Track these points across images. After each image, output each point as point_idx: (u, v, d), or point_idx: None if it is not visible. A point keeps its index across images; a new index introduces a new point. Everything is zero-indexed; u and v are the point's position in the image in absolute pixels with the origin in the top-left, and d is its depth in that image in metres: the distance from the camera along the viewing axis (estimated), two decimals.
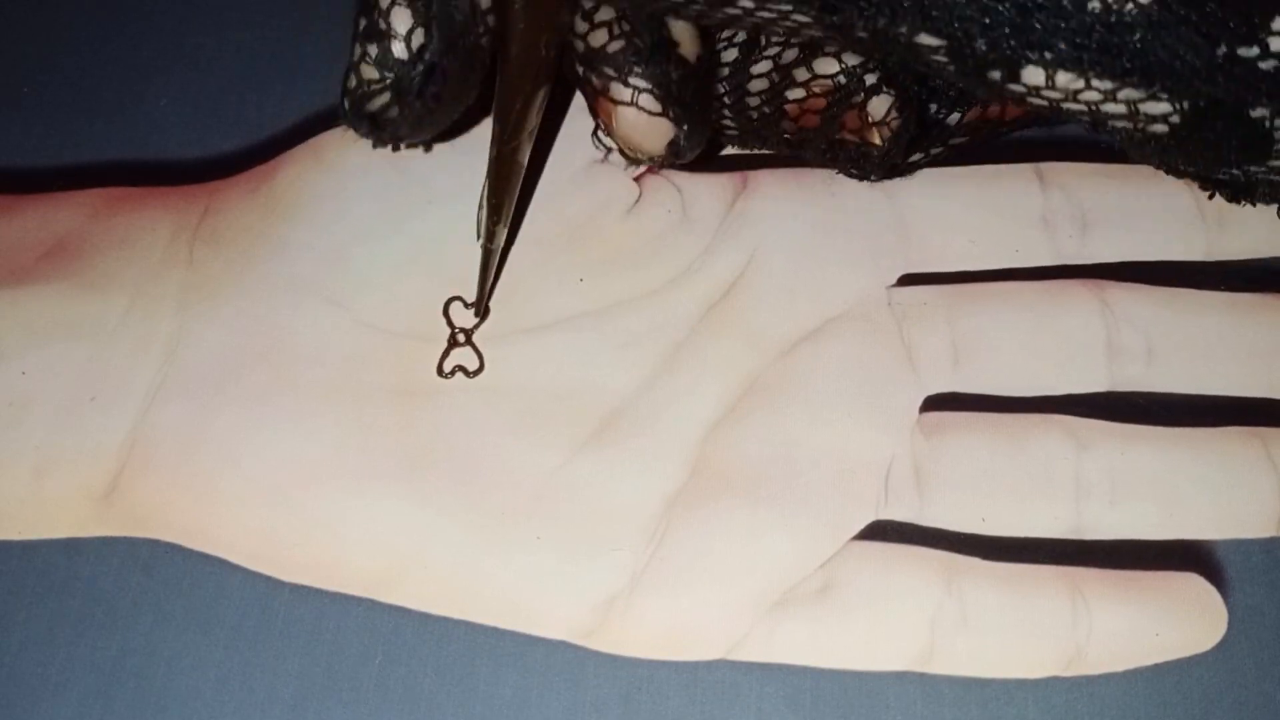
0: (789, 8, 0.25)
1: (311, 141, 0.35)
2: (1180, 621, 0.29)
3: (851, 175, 0.33)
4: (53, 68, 0.37)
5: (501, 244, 0.32)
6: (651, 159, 0.30)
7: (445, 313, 0.33)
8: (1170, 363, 0.31)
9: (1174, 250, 0.33)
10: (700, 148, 0.30)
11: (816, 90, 0.30)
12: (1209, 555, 0.30)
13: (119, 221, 0.34)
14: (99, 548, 0.30)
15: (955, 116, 0.32)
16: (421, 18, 0.27)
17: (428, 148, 0.34)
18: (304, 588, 0.30)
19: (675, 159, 0.30)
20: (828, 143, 0.31)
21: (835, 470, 0.31)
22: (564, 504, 0.30)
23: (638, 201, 0.34)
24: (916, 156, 0.33)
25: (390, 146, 0.33)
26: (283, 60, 0.37)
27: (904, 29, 0.25)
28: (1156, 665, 0.28)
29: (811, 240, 0.33)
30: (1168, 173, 0.30)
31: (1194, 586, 0.29)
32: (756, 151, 0.35)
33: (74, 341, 0.32)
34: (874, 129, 0.30)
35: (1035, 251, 0.33)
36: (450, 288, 0.33)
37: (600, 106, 0.29)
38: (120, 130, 0.36)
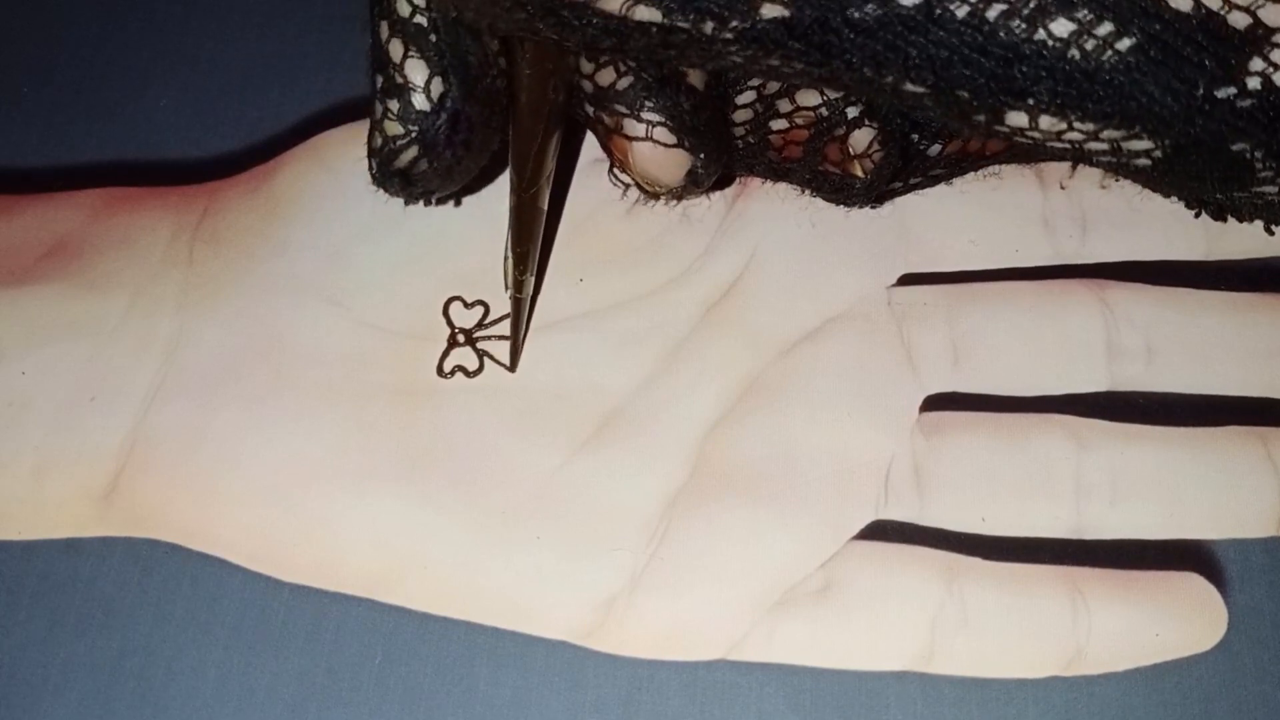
0: (777, 62, 0.25)
1: (311, 141, 0.35)
2: (1180, 621, 0.29)
3: (833, 202, 0.33)
4: (53, 68, 0.37)
5: (530, 292, 0.32)
6: (671, 191, 0.30)
7: (445, 313, 0.33)
8: (1170, 362, 0.31)
9: (1174, 250, 0.33)
10: (717, 174, 0.30)
11: (799, 121, 0.30)
12: (1209, 555, 0.30)
13: (119, 222, 0.34)
14: (99, 548, 0.30)
15: (936, 149, 0.31)
16: (437, 67, 0.27)
17: (457, 201, 0.34)
18: (304, 588, 0.30)
19: (695, 188, 0.30)
20: (811, 173, 0.31)
21: (835, 470, 0.31)
22: (564, 504, 0.30)
23: (637, 202, 0.34)
24: (895, 185, 0.33)
25: (423, 202, 0.33)
26: (282, 60, 0.37)
27: (890, 79, 0.25)
28: (1157, 665, 0.28)
29: (811, 240, 0.33)
30: (1156, 193, 0.31)
31: (1194, 586, 0.29)
32: None
33: (74, 341, 0.32)
34: (855, 162, 0.30)
35: (1035, 251, 0.33)
36: (450, 287, 0.33)
37: (615, 144, 0.29)
38: (120, 130, 0.36)
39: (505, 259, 0.31)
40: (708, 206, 0.34)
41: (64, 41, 0.38)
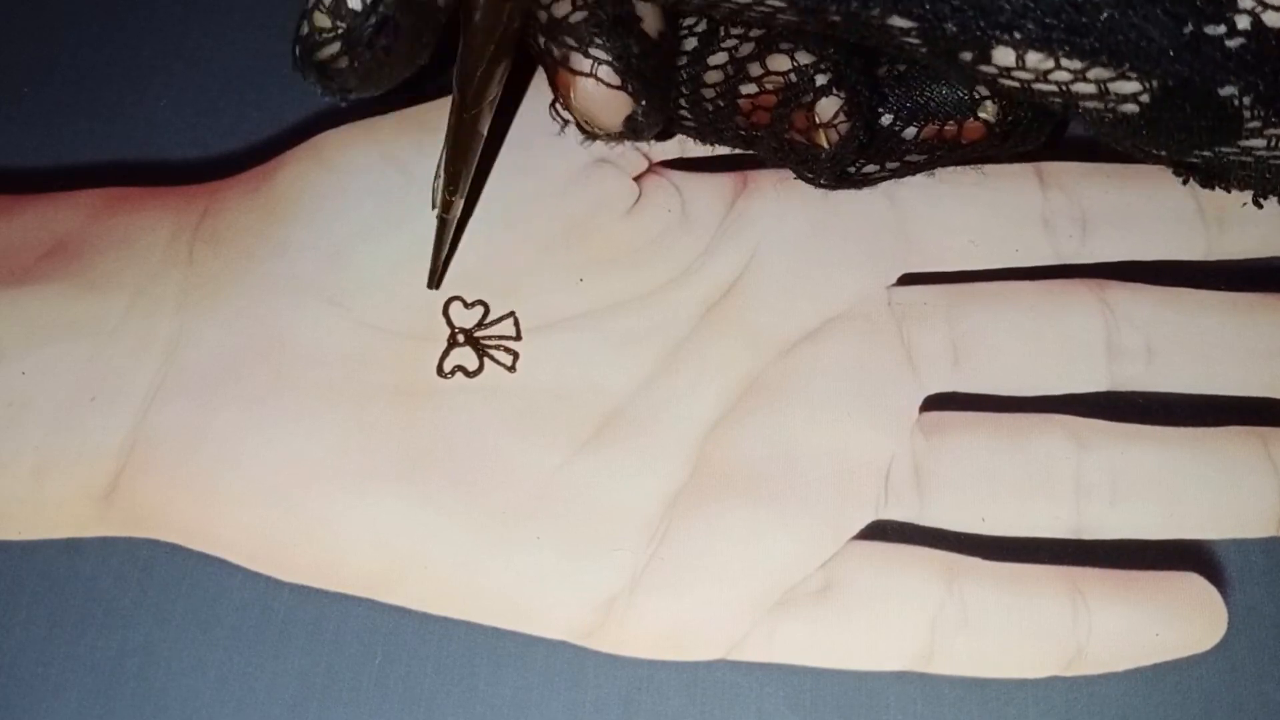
0: None
1: (311, 141, 0.35)
2: (1180, 621, 0.29)
3: (805, 179, 0.33)
4: (52, 68, 0.37)
5: (458, 215, 0.32)
6: (609, 134, 0.30)
7: (445, 313, 0.33)
8: (1170, 362, 0.31)
9: (1174, 250, 0.33)
10: (658, 127, 0.30)
11: (768, 86, 0.30)
12: (1209, 555, 0.30)
13: (119, 222, 0.34)
14: (99, 548, 0.30)
15: (911, 131, 0.31)
16: None
17: (380, 102, 0.33)
18: (304, 588, 0.30)
19: (633, 135, 0.30)
20: (778, 141, 0.31)
21: (835, 470, 0.31)
22: (564, 504, 0.30)
23: (637, 201, 0.34)
24: (871, 169, 0.33)
25: (339, 98, 0.32)
26: (282, 60, 0.36)
27: (875, 11, 0.25)
28: (1156, 665, 0.28)
29: (811, 240, 0.33)
30: (1141, 157, 0.30)
31: (1194, 586, 0.29)
32: (753, 152, 0.35)
33: (74, 341, 0.32)
34: (821, 131, 0.30)
35: (1035, 251, 0.33)
36: (450, 287, 0.33)
37: (560, 78, 0.29)
38: (120, 130, 0.36)
39: (436, 177, 0.31)
40: (708, 206, 0.34)
41: (64, 42, 0.38)
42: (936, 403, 0.31)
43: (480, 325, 0.33)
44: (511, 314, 0.33)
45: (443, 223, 0.32)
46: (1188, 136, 0.27)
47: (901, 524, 0.30)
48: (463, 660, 0.29)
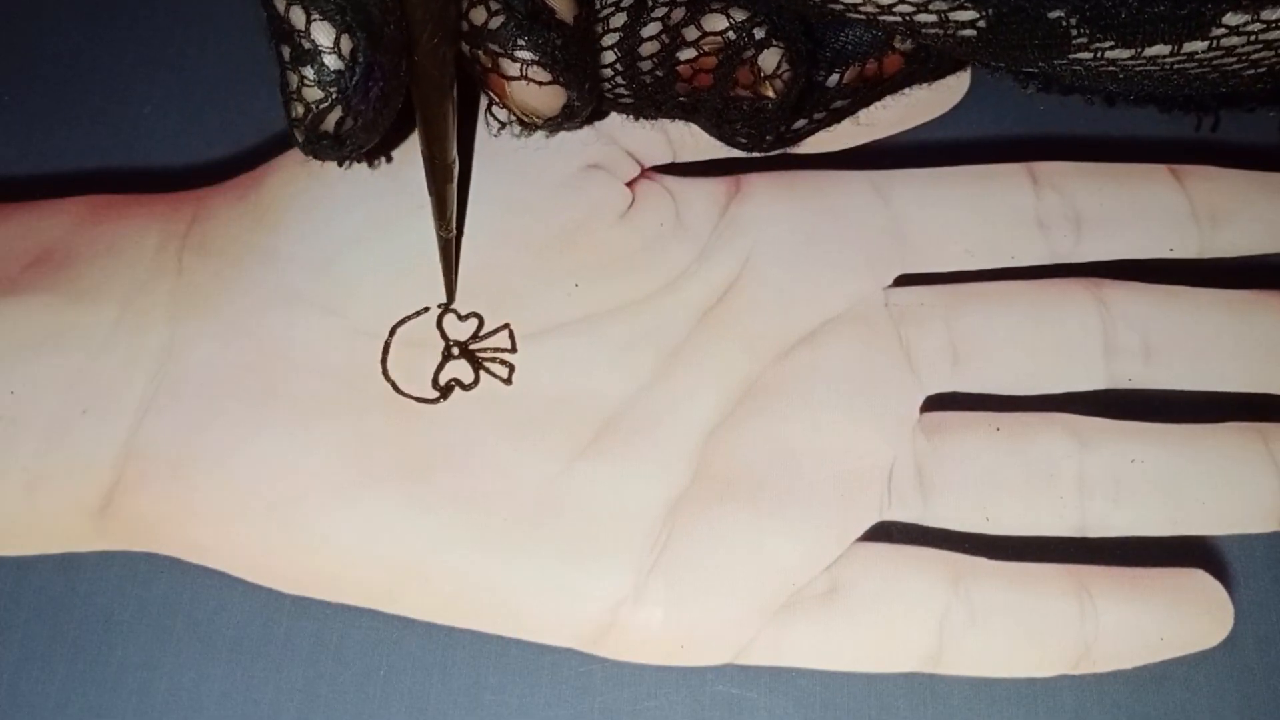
0: None
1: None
2: (1187, 618, 0.29)
3: (741, 145, 0.33)
4: (35, 74, 0.37)
5: (454, 232, 0.32)
6: (548, 121, 0.30)
7: (439, 326, 0.32)
8: (1168, 360, 0.32)
9: (1167, 249, 0.33)
10: (593, 105, 0.31)
11: (707, 48, 0.30)
12: (1214, 551, 0.30)
13: (105, 230, 0.33)
14: (96, 562, 0.30)
15: (834, 78, 0.32)
16: (342, 25, 0.27)
17: (389, 158, 0.34)
18: (306, 600, 0.30)
19: (571, 118, 0.30)
20: (723, 101, 0.31)
21: (838, 472, 0.31)
22: (565, 511, 0.30)
23: (631, 207, 0.34)
24: (801, 123, 0.33)
25: (359, 161, 0.33)
26: (268, 66, 0.36)
27: None
28: (1164, 662, 0.29)
29: (806, 243, 0.33)
30: (980, 66, 0.32)
31: (1199, 583, 0.29)
32: (748, 156, 0.35)
33: (63, 353, 0.31)
34: (767, 82, 0.30)
35: (1030, 252, 0.33)
36: (443, 294, 0.33)
37: (492, 82, 0.29)
38: (104, 137, 0.36)
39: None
40: (701, 211, 0.34)
41: (46, 47, 0.37)
42: (937, 403, 0.32)
43: (475, 338, 0.32)
44: (506, 326, 0.32)
45: (445, 242, 0.32)
46: (1021, 54, 0.28)
47: (906, 525, 0.30)
48: (468, 670, 0.29)
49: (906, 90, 0.35)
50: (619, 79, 0.32)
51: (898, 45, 0.31)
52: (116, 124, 0.36)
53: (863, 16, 0.27)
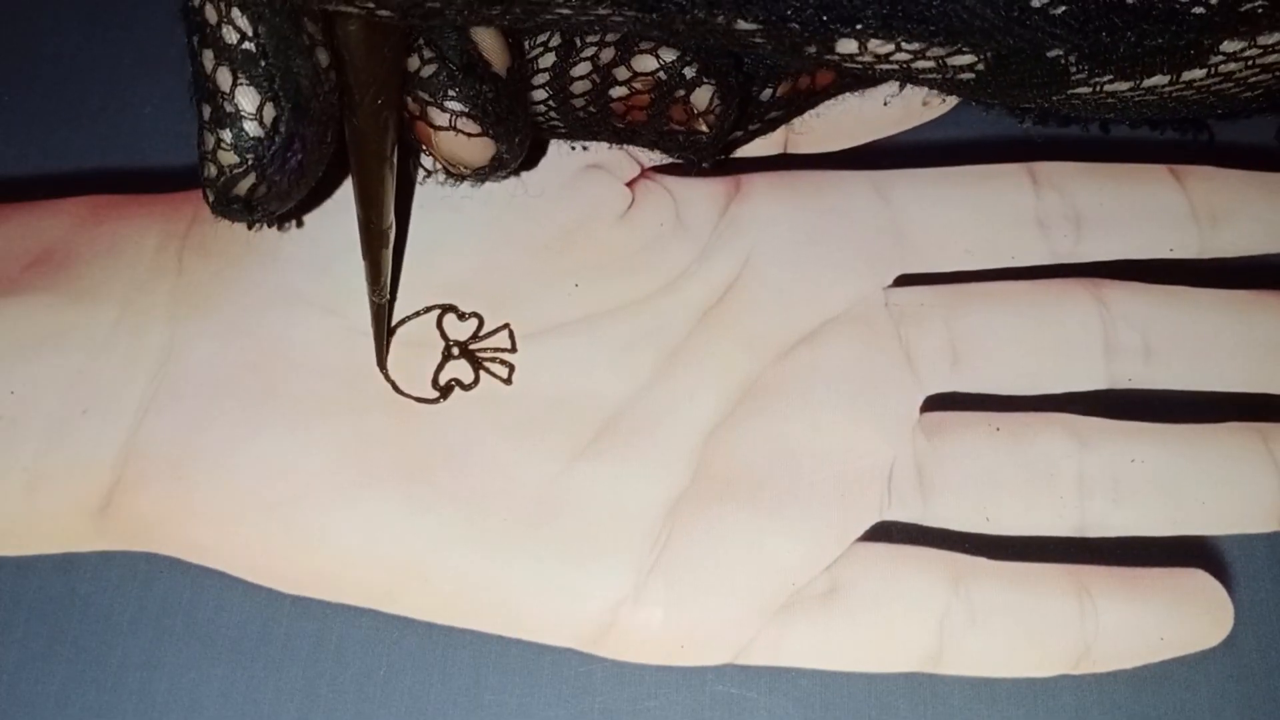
0: (608, 10, 0.25)
1: None
2: (1187, 618, 0.29)
3: (686, 161, 0.33)
4: (34, 74, 0.37)
5: (388, 298, 0.31)
6: (476, 172, 0.30)
7: (439, 325, 0.32)
8: (1168, 360, 0.32)
9: (1167, 249, 0.33)
10: (522, 154, 0.30)
11: (639, 87, 0.30)
12: (1214, 551, 0.30)
13: (105, 230, 0.33)
14: (96, 562, 0.30)
15: (768, 93, 0.32)
16: (268, 92, 0.26)
17: (299, 223, 0.34)
18: (306, 600, 0.29)
19: (499, 169, 0.30)
20: (657, 135, 0.31)
21: (837, 472, 0.31)
22: (565, 511, 0.30)
23: (630, 207, 0.34)
24: (736, 135, 0.33)
25: (267, 225, 0.33)
26: None
27: (721, 19, 0.25)
28: (1164, 662, 0.29)
29: (805, 243, 0.33)
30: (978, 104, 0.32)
31: (1199, 583, 0.29)
32: (747, 156, 0.35)
33: (64, 354, 0.31)
34: (700, 119, 0.30)
35: (1030, 252, 0.33)
36: (444, 296, 0.33)
37: (419, 130, 0.29)
38: (104, 137, 0.35)
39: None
40: (701, 211, 0.34)
41: (46, 47, 0.37)
42: (937, 403, 0.31)
43: (475, 338, 0.32)
44: (506, 326, 0.32)
45: (376, 307, 0.31)
46: (1021, 92, 0.28)
47: (906, 525, 0.30)
48: (469, 670, 0.29)
49: (906, 90, 0.35)
50: (553, 114, 0.31)
51: None
52: (116, 124, 0.36)
53: (858, 67, 0.27)
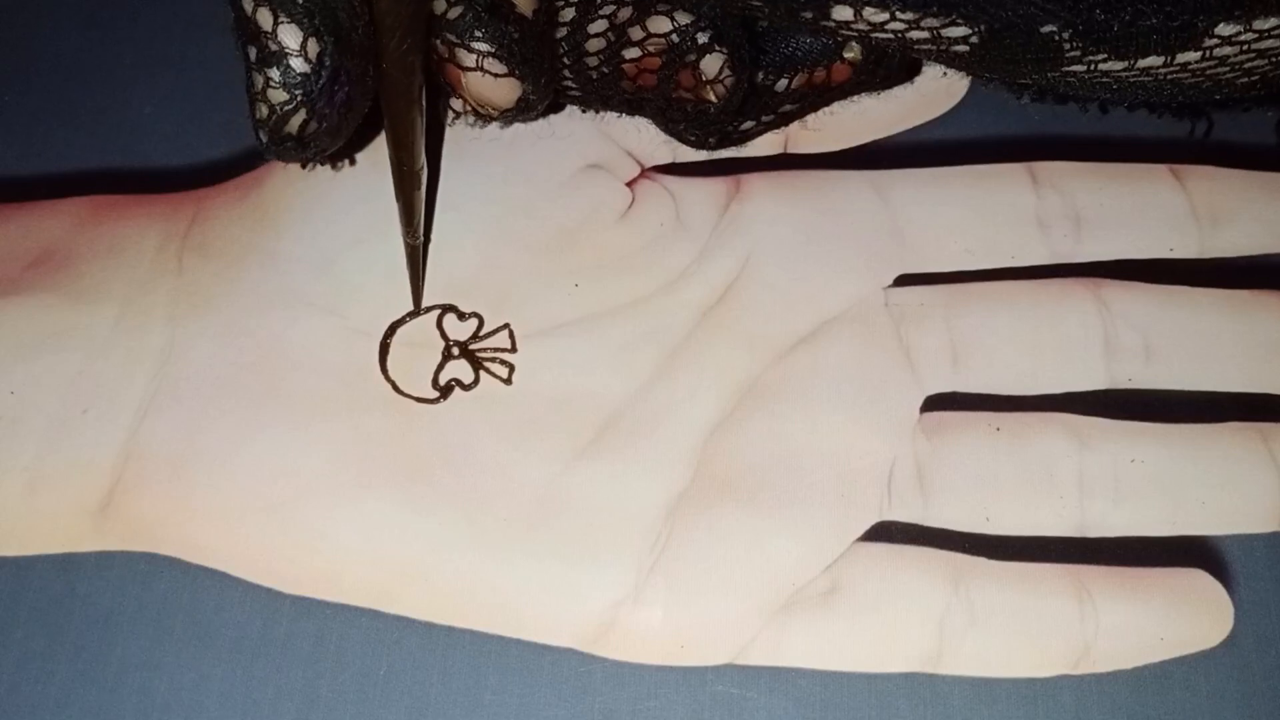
0: None
1: None
2: (1187, 618, 0.29)
3: (690, 143, 0.33)
4: (34, 74, 0.37)
5: (421, 239, 0.32)
6: (504, 114, 0.30)
7: (439, 325, 0.32)
8: (1168, 360, 0.32)
9: (1167, 249, 0.33)
10: (549, 98, 0.31)
11: (651, 49, 0.30)
12: (1214, 551, 0.30)
13: (105, 230, 0.33)
14: (96, 562, 0.30)
15: (783, 83, 0.32)
16: (309, 28, 0.27)
17: (353, 161, 0.34)
18: (306, 600, 0.29)
19: (525, 111, 0.30)
20: (666, 101, 0.31)
21: (838, 472, 0.31)
22: (565, 511, 0.30)
23: (631, 207, 0.34)
24: (748, 125, 0.33)
25: (323, 164, 0.33)
26: None
27: None
28: (1164, 662, 0.29)
29: (805, 243, 0.33)
30: (974, 78, 0.32)
31: (1199, 583, 0.29)
32: (748, 156, 0.35)
33: (63, 354, 0.31)
34: (708, 87, 0.30)
35: (1030, 252, 0.33)
36: (444, 296, 0.33)
37: (448, 72, 0.30)
38: (104, 137, 0.36)
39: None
40: (701, 211, 0.34)
41: (46, 47, 0.37)
42: (937, 403, 0.31)
43: (475, 338, 0.32)
44: (506, 326, 0.32)
45: (411, 249, 0.32)
46: (1015, 67, 0.28)
47: (906, 525, 0.30)
48: (469, 670, 0.29)
49: (905, 91, 0.35)
50: (566, 72, 0.32)
51: (846, 55, 0.31)
52: (116, 124, 0.36)
53: (854, 34, 0.28)
